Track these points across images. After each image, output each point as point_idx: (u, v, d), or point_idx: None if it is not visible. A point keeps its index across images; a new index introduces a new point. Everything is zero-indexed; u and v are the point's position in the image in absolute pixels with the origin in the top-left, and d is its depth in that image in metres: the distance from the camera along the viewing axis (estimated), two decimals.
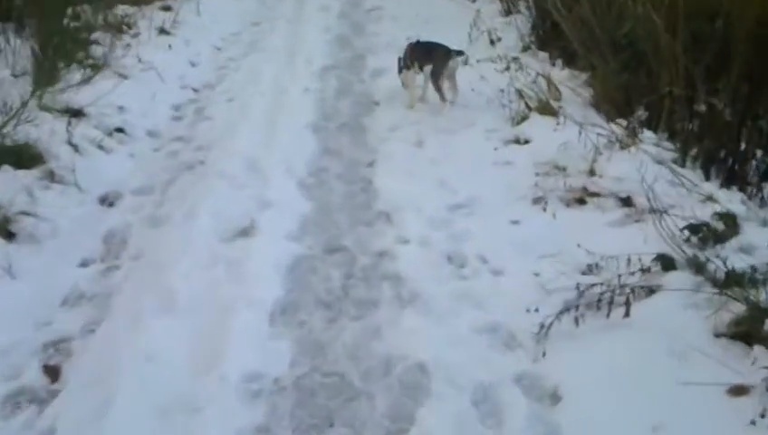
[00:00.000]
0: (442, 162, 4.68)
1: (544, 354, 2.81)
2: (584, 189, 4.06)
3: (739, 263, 3.00)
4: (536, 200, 4.08)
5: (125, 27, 6.92)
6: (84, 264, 3.55)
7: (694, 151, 4.23)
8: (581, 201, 4.02)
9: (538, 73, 5.45)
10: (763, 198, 3.96)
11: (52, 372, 2.77)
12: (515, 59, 5.76)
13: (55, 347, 2.93)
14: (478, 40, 6.86)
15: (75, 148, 4.49)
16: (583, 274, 3.33)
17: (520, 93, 5.20)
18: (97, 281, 3.40)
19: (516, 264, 3.48)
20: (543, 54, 6.41)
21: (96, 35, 6.29)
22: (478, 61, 5.65)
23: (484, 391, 2.71)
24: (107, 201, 4.14)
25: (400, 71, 5.61)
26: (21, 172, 4.01)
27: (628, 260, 3.19)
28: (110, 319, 3.06)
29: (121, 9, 7.12)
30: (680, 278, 3.05)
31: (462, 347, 2.91)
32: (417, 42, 5.71)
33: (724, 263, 2.98)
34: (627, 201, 3.84)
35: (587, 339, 2.87)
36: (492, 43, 6.87)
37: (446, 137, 5.03)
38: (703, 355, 2.63)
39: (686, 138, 4.34)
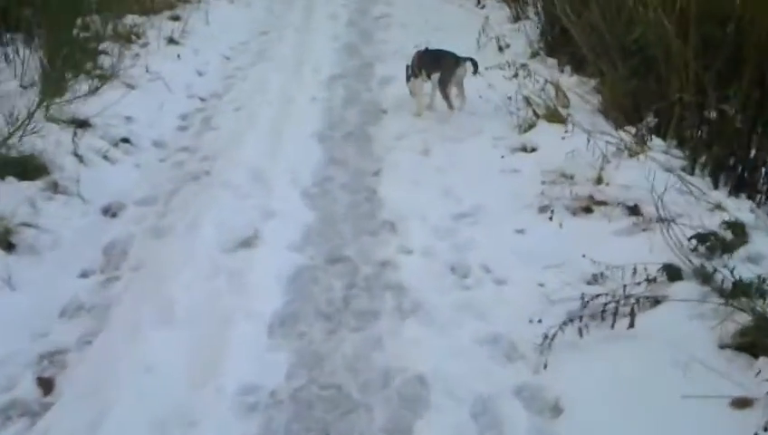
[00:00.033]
0: (448, 171, 4.64)
1: (546, 366, 2.75)
2: (591, 198, 4.00)
3: (746, 273, 2.94)
4: (542, 209, 4.03)
5: (134, 37, 6.95)
6: (84, 275, 3.54)
7: (703, 159, 4.17)
8: (588, 210, 3.96)
9: (546, 80, 5.40)
10: None
11: (46, 385, 2.75)
12: (524, 65, 5.70)
13: (50, 359, 2.90)
14: (486, 46, 6.84)
15: (80, 158, 4.50)
16: (588, 284, 3.27)
17: (528, 101, 5.16)
18: (96, 292, 3.38)
19: (520, 273, 3.43)
20: (552, 61, 6.37)
21: (105, 45, 6.31)
22: (487, 68, 5.60)
23: (484, 404, 2.65)
24: (110, 212, 4.14)
25: (408, 79, 5.59)
26: (24, 183, 4.01)
27: (634, 270, 3.13)
28: (107, 330, 3.04)
29: (131, 19, 7.15)
30: (686, 288, 2.99)
31: (462, 359, 2.86)
32: (426, 49, 5.69)
33: (732, 273, 2.91)
34: (634, 210, 3.78)
35: (590, 350, 2.81)
36: (500, 49, 6.84)
37: (453, 145, 4.99)
38: (707, 366, 2.57)
39: (696, 145, 4.27)
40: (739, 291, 2.82)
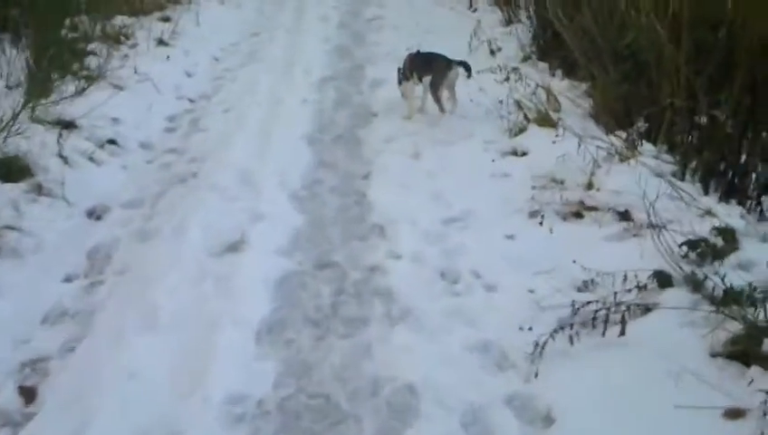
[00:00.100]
0: (438, 174, 4.61)
1: (536, 375, 2.72)
2: (581, 203, 3.98)
3: (737, 280, 2.92)
4: (532, 214, 4.01)
5: (123, 38, 6.90)
6: (68, 279, 3.47)
7: (693, 164, 4.15)
8: (578, 215, 3.94)
9: (537, 84, 5.38)
10: (762, 211, 3.88)
11: (28, 394, 2.69)
12: (515, 69, 5.68)
13: (32, 367, 2.84)
14: (478, 50, 6.82)
15: (65, 160, 4.43)
16: (579, 290, 3.25)
17: (519, 104, 5.14)
18: (80, 297, 3.33)
19: (510, 279, 3.39)
20: (543, 65, 6.35)
21: (93, 46, 6.26)
22: (478, 72, 5.58)
23: (474, 413, 2.62)
24: (95, 215, 4.07)
25: (400, 82, 5.55)
26: (8, 186, 3.95)
27: (625, 277, 3.11)
28: (91, 336, 2.98)
29: (120, 20, 7.10)
30: (677, 296, 2.97)
31: (452, 367, 2.82)
32: (417, 52, 5.66)
33: (723, 280, 2.89)
34: (625, 215, 3.76)
35: (581, 358, 2.78)
36: (492, 53, 6.82)
37: (444, 148, 4.96)
38: (699, 376, 2.54)
39: (686, 150, 4.25)
40: (730, 299, 2.79)
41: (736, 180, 4.04)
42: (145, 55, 6.57)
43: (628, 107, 4.85)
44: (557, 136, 4.58)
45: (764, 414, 2.33)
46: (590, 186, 4.08)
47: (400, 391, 2.72)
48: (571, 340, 2.80)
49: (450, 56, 5.42)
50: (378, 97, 6.00)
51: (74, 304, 3.26)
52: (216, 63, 7.03)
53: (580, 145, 4.23)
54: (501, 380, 2.76)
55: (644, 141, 4.44)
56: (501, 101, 5.26)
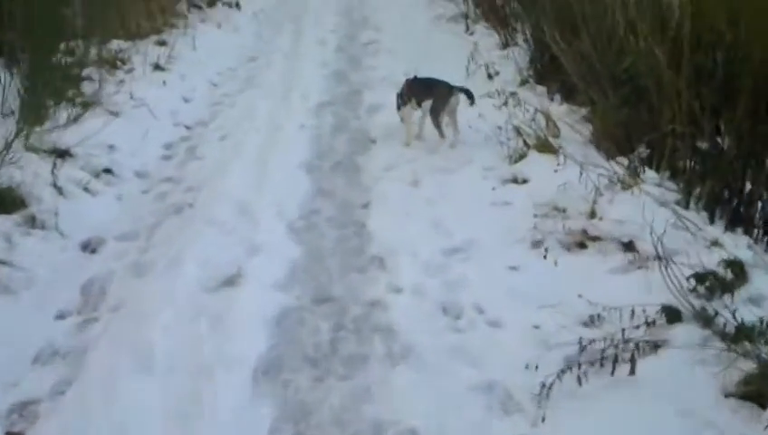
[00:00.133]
0: (438, 202, 4.54)
1: (544, 419, 2.63)
2: (584, 232, 3.91)
3: (748, 315, 2.85)
4: (535, 244, 3.94)
5: (119, 63, 6.84)
6: (61, 316, 3.38)
7: (697, 192, 4.08)
8: (582, 245, 3.88)
9: (536, 109, 5.33)
10: None
11: None
12: (513, 94, 5.65)
13: (21, 412, 2.73)
14: (476, 74, 6.78)
15: (60, 190, 4.36)
16: (585, 325, 3.17)
17: (518, 130, 5.09)
18: (73, 335, 3.22)
19: (514, 314, 3.31)
20: (542, 88, 6.30)
21: (88, 71, 6.19)
22: (479, 96, 5.52)
23: None
24: (89, 247, 3.99)
25: (399, 107, 5.50)
26: (0, 218, 3.87)
27: (632, 312, 3.03)
28: (82, 380, 2.87)
29: (116, 44, 7.05)
30: (687, 332, 2.89)
31: (457, 410, 2.72)
32: (415, 77, 5.61)
33: (734, 315, 2.82)
34: (629, 246, 3.69)
35: (590, 399, 2.69)
36: (489, 77, 6.79)
37: (443, 176, 4.90)
38: (711, 418, 2.46)
39: (690, 177, 4.19)
40: (742, 335, 2.72)
41: (742, 209, 3.97)
42: (141, 80, 6.52)
43: (629, 132, 4.80)
44: (558, 165, 4.52)
45: None
46: (592, 214, 4.02)
47: None
48: (579, 380, 2.72)
49: (445, 80, 5.37)
50: (375, 122, 5.95)
51: (67, 343, 3.16)
52: (213, 89, 6.98)
53: (581, 173, 4.17)
54: (507, 423, 2.67)
55: (646, 168, 4.38)
56: (500, 127, 5.21)
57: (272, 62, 7.79)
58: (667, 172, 4.39)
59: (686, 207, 3.99)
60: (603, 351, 2.82)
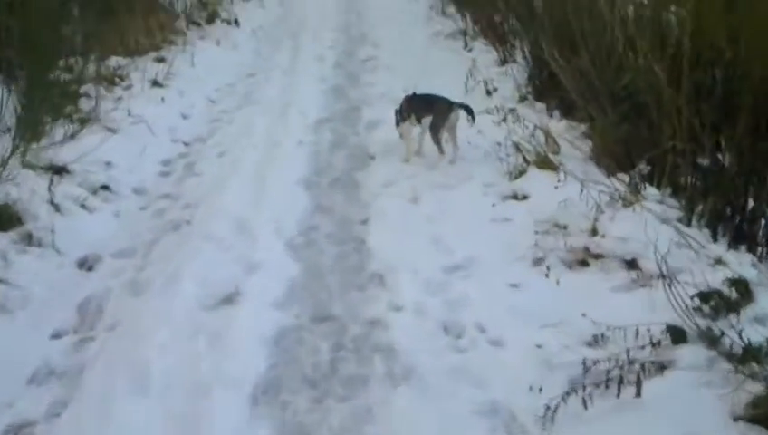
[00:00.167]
0: (438, 219, 4.51)
1: None
2: (586, 250, 3.87)
3: (755, 335, 2.80)
4: (536, 261, 3.90)
5: (117, 79, 6.83)
6: (57, 335, 3.33)
7: (699, 208, 4.06)
8: (584, 263, 3.84)
9: (536, 125, 5.32)
10: None
11: None
12: (512, 110, 5.63)
13: (16, 434, 2.68)
14: (474, 90, 6.77)
15: (56, 207, 4.33)
16: (588, 345, 3.12)
17: (517, 147, 5.07)
18: (69, 355, 3.18)
19: (516, 334, 3.26)
20: (540, 105, 6.29)
21: (86, 87, 6.17)
22: (478, 113, 5.51)
23: None
24: (86, 265, 3.94)
25: (398, 123, 5.48)
26: None
27: (637, 332, 2.99)
28: (78, 400, 2.82)
29: (114, 61, 7.04)
30: (692, 352, 2.85)
31: (460, 433, 2.67)
32: (414, 94, 5.59)
33: (740, 335, 2.78)
34: (632, 264, 3.65)
35: (596, 423, 2.64)
36: (488, 93, 6.78)
37: (443, 192, 4.87)
38: None
39: (691, 194, 4.17)
40: (749, 356, 2.68)
41: (744, 226, 3.95)
42: (139, 97, 6.51)
43: (629, 149, 4.78)
44: (559, 181, 4.49)
45: None
46: (594, 232, 3.98)
47: None
48: (584, 403, 2.67)
49: (445, 96, 5.36)
50: (374, 138, 5.92)
51: (63, 363, 3.12)
52: (211, 105, 6.96)
53: (582, 189, 4.14)
54: None
55: (647, 185, 4.35)
56: (499, 144, 5.19)
57: (270, 78, 7.78)
58: (668, 189, 4.36)
59: (689, 224, 3.97)
60: (608, 372, 2.78)
